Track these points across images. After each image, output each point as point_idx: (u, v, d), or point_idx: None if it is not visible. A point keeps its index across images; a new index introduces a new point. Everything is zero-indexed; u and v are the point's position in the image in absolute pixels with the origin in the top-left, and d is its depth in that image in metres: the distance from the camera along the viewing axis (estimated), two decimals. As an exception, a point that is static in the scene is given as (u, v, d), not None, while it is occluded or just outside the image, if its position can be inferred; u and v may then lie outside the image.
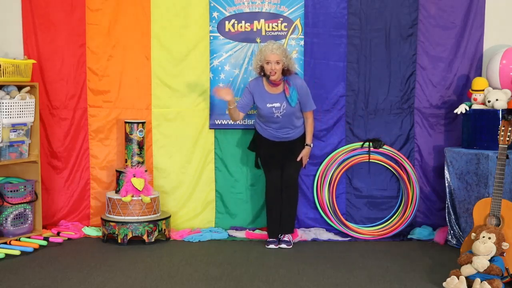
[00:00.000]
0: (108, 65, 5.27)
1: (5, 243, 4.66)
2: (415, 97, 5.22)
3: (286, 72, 4.68)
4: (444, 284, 3.82)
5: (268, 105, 4.70)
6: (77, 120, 5.31)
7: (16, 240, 4.75)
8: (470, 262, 3.75)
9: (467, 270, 3.75)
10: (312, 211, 5.27)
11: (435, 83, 5.20)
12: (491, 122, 4.66)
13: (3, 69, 4.64)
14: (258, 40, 5.16)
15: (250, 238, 5.09)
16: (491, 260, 3.72)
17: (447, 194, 4.92)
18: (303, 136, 4.90)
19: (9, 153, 4.77)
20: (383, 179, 5.28)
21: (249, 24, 5.17)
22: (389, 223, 5.23)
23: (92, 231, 5.15)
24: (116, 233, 4.84)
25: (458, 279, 3.74)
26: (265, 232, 5.00)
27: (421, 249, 4.79)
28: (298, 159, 4.85)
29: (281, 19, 5.15)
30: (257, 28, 5.16)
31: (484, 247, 3.73)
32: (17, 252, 4.51)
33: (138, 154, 5.04)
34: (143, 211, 4.90)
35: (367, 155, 5.21)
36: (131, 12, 5.22)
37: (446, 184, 4.92)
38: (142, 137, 5.05)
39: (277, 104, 4.69)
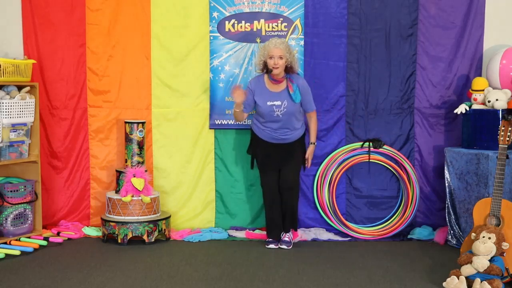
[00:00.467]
0: (108, 65, 5.27)
1: (5, 243, 4.66)
2: (415, 97, 5.22)
3: (289, 70, 4.67)
4: (444, 284, 3.82)
5: (269, 103, 4.65)
6: (77, 120, 5.31)
7: (16, 240, 4.75)
8: (470, 262, 3.75)
9: (467, 270, 3.75)
10: (312, 211, 5.27)
11: (435, 83, 5.20)
12: (491, 122, 4.66)
13: (3, 69, 4.65)
14: (258, 40, 5.16)
15: (250, 238, 5.09)
16: (491, 260, 3.72)
17: (447, 194, 4.93)
18: (302, 138, 4.85)
19: (9, 153, 4.77)
20: (383, 179, 5.29)
21: (249, 24, 5.17)
22: (389, 223, 5.23)
23: (92, 231, 5.15)
24: (116, 233, 4.84)
25: (458, 279, 3.74)
26: (265, 232, 5.00)
27: (421, 249, 4.79)
28: (306, 156, 4.85)
29: (281, 19, 5.15)
30: (257, 28, 5.16)
31: (484, 247, 3.73)
32: (17, 252, 4.51)
33: (138, 154, 5.04)
34: (143, 211, 4.90)
35: (367, 155, 5.21)
36: (131, 12, 5.22)
37: (446, 184, 4.92)
38: (142, 137, 5.05)
39: (278, 102, 4.64)
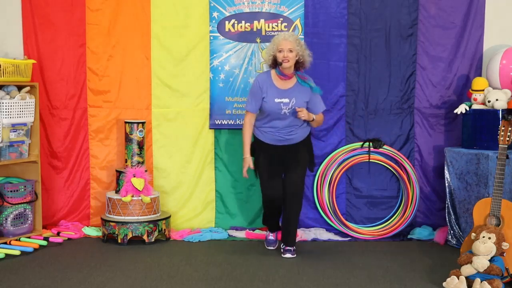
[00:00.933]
0: (108, 65, 5.27)
1: (5, 243, 4.66)
2: (415, 97, 5.22)
3: (299, 66, 4.45)
4: (444, 284, 3.82)
5: (277, 100, 4.41)
6: (77, 120, 5.31)
7: (16, 240, 4.75)
8: (470, 262, 3.75)
9: (467, 270, 3.75)
10: (312, 211, 5.27)
11: (435, 83, 5.20)
12: (491, 122, 4.66)
13: (3, 69, 4.64)
14: (258, 40, 5.16)
15: (250, 238, 5.09)
16: (491, 260, 3.72)
17: (447, 194, 4.92)
18: (308, 139, 4.63)
19: (9, 153, 4.77)
20: (383, 179, 5.28)
21: (249, 24, 5.17)
22: (389, 223, 5.23)
23: (92, 231, 5.15)
24: (116, 233, 4.84)
25: (458, 279, 3.74)
26: (265, 232, 4.99)
27: (421, 249, 4.79)
28: (300, 112, 4.39)
29: (281, 19, 5.15)
30: (257, 28, 5.16)
31: (484, 247, 3.73)
32: (17, 252, 4.51)
33: (138, 154, 5.03)
34: (143, 211, 4.90)
35: (367, 155, 5.21)
36: (131, 12, 5.22)
37: (446, 184, 4.92)
38: (142, 137, 5.05)
39: (286, 100, 4.41)
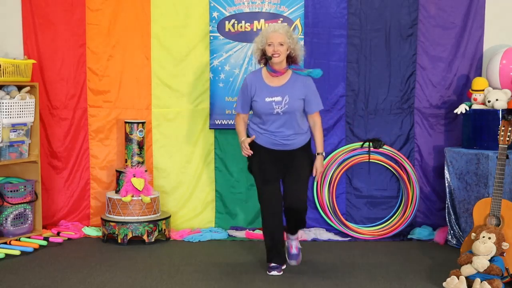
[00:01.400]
0: (108, 65, 5.27)
1: (5, 243, 4.66)
2: (415, 97, 5.22)
3: (291, 60, 4.06)
4: (444, 284, 3.82)
5: (267, 99, 3.98)
6: (77, 120, 5.31)
7: (16, 240, 4.75)
8: (470, 262, 3.75)
9: (467, 270, 3.75)
10: (312, 211, 5.27)
11: (435, 83, 5.20)
12: (491, 122, 4.66)
13: (3, 69, 4.64)
14: (258, 40, 5.16)
15: (250, 238, 5.09)
16: (491, 260, 3.72)
17: (447, 194, 4.92)
18: (308, 146, 4.14)
19: (9, 153, 4.77)
20: (383, 179, 5.29)
21: (249, 24, 5.17)
22: (389, 223, 5.23)
23: (92, 231, 5.15)
24: (116, 233, 4.84)
25: (458, 279, 3.74)
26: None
27: (421, 249, 4.79)
28: (314, 174, 4.10)
29: (281, 19, 5.15)
30: (257, 28, 5.16)
31: (484, 247, 3.73)
32: (17, 252, 4.51)
33: (138, 154, 5.03)
34: (143, 211, 4.90)
35: (367, 155, 5.21)
36: (131, 12, 5.22)
37: (446, 184, 4.92)
38: (142, 137, 5.05)
39: (278, 98, 3.97)
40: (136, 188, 4.89)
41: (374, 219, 5.29)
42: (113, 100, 5.30)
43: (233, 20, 5.18)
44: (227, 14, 5.17)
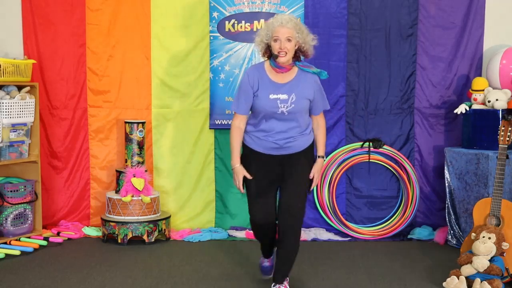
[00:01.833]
0: (108, 65, 5.27)
1: (5, 243, 4.66)
2: (415, 97, 5.22)
3: (302, 54, 3.60)
4: (444, 284, 3.82)
5: (272, 96, 3.51)
6: (77, 120, 5.31)
7: (16, 240, 4.75)
8: (470, 262, 3.75)
9: (467, 270, 3.75)
10: (312, 211, 5.27)
11: (435, 83, 5.20)
12: (491, 122, 4.66)
13: (3, 69, 4.64)
14: (258, 40, 5.16)
15: (250, 238, 5.09)
16: (491, 260, 3.72)
17: (447, 194, 4.92)
18: (310, 149, 3.69)
19: (9, 153, 4.77)
20: (383, 179, 5.29)
21: (249, 24, 5.17)
22: (389, 223, 5.23)
23: (92, 231, 5.15)
24: (116, 233, 4.84)
25: (458, 279, 3.74)
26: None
27: (421, 249, 4.79)
28: (311, 176, 3.63)
29: (281, 19, 5.14)
30: (257, 28, 5.15)
31: (484, 247, 3.73)
32: (17, 252, 4.51)
33: (138, 154, 5.03)
34: (143, 211, 4.90)
35: (367, 155, 5.21)
36: (131, 12, 5.22)
37: (446, 184, 4.92)
38: (142, 137, 5.05)
39: (284, 96, 3.51)
40: (136, 188, 4.89)
41: (374, 219, 5.29)
42: (113, 100, 5.30)
43: (233, 20, 5.18)
44: (227, 14, 5.17)
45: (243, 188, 3.64)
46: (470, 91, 4.92)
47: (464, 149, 4.83)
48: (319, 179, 3.74)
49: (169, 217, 5.08)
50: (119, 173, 5.04)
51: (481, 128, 4.74)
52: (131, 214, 4.88)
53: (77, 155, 5.33)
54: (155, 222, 4.90)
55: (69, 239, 4.96)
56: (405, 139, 5.26)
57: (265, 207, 3.59)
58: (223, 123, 5.22)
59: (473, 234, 3.87)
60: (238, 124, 3.63)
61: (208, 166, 5.33)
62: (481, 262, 3.69)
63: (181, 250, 4.74)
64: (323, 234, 5.14)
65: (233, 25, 5.18)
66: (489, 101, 4.74)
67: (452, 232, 4.90)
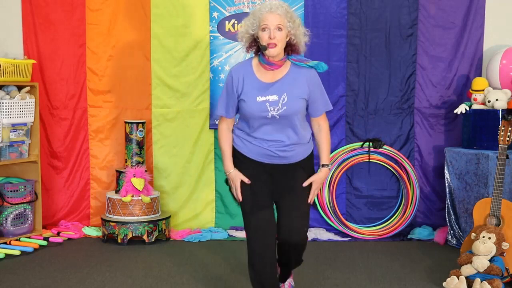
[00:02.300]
0: (108, 65, 5.27)
1: (5, 243, 4.66)
2: (415, 97, 5.22)
3: (291, 49, 3.11)
4: (444, 284, 3.82)
5: (260, 98, 3.05)
6: (77, 120, 5.31)
7: (16, 240, 4.75)
8: (470, 262, 3.75)
9: (467, 270, 3.75)
10: (312, 211, 5.26)
11: (435, 83, 5.20)
12: (491, 122, 4.66)
13: (3, 69, 4.65)
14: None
15: (250, 238, 5.09)
16: (491, 260, 3.72)
17: (447, 194, 4.93)
18: (310, 159, 3.27)
19: (9, 153, 4.77)
20: (383, 179, 5.29)
21: (249, 24, 5.17)
22: (389, 223, 5.23)
23: (92, 231, 5.15)
24: (116, 233, 4.84)
25: (458, 279, 3.74)
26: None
27: (421, 249, 4.79)
28: (306, 184, 3.17)
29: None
30: (257, 28, 5.15)
31: (484, 247, 3.73)
32: (17, 252, 4.51)
33: (138, 154, 5.03)
34: (143, 211, 4.90)
35: (367, 155, 5.21)
36: (131, 12, 5.22)
37: (446, 184, 4.92)
38: (142, 137, 5.05)
39: (274, 97, 3.05)
40: (136, 188, 4.89)
41: (374, 219, 5.29)
42: (113, 100, 5.30)
43: (233, 20, 5.18)
44: (227, 14, 5.17)
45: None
46: (470, 91, 4.92)
47: (464, 149, 4.83)
48: (318, 191, 3.22)
49: (169, 217, 5.08)
50: (119, 173, 5.04)
51: (481, 128, 4.74)
52: (131, 214, 4.88)
53: (77, 155, 5.33)
54: (155, 222, 4.90)
55: (69, 239, 4.96)
56: (405, 139, 5.26)
57: (263, 224, 3.11)
58: (223, 123, 5.22)
59: (473, 234, 3.87)
60: (227, 127, 3.25)
61: (208, 166, 5.33)
62: (481, 262, 3.69)
63: (181, 250, 4.74)
64: (323, 234, 5.14)
65: (233, 25, 5.18)
66: (489, 101, 4.74)
67: (452, 232, 4.90)
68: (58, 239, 4.86)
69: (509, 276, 3.75)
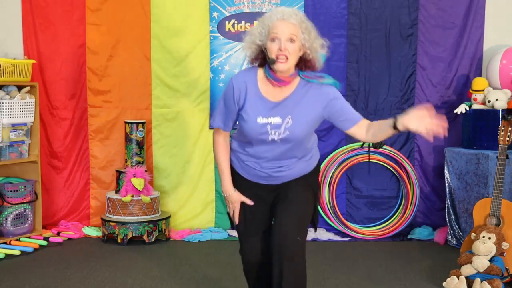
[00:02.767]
0: (108, 65, 5.27)
1: (5, 243, 4.66)
2: (415, 97, 5.22)
3: (305, 65, 2.66)
4: (444, 284, 3.82)
5: (260, 120, 2.66)
6: (77, 120, 5.31)
7: (16, 240, 4.75)
8: (470, 262, 3.75)
9: (467, 270, 3.75)
10: (312, 211, 5.27)
11: (435, 83, 5.20)
12: (491, 122, 4.66)
13: (3, 69, 4.64)
14: (258, 40, 5.16)
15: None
16: (491, 260, 3.72)
17: (447, 194, 4.93)
18: (312, 173, 2.89)
19: (9, 153, 4.77)
20: (383, 179, 5.29)
21: (249, 24, 5.17)
22: (389, 223, 5.23)
23: (92, 231, 5.15)
24: (116, 233, 4.84)
25: (458, 279, 3.74)
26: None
27: (421, 249, 4.79)
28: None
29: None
30: (257, 28, 5.15)
31: (484, 247, 3.73)
32: (17, 252, 4.51)
33: (138, 154, 5.03)
34: (143, 211, 4.90)
35: (367, 155, 5.21)
36: (131, 12, 5.22)
37: (446, 184, 4.92)
38: (142, 137, 5.05)
39: (276, 120, 2.65)
40: (136, 188, 4.89)
41: (374, 219, 5.29)
42: (113, 100, 5.30)
43: (233, 20, 5.18)
44: (227, 14, 5.18)
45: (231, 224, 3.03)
46: (470, 91, 4.92)
47: (464, 149, 4.83)
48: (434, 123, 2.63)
49: (169, 217, 5.08)
50: (119, 173, 5.04)
51: (481, 128, 4.74)
52: (131, 214, 4.88)
53: (77, 155, 5.33)
54: (155, 222, 4.90)
55: (69, 239, 4.96)
56: (405, 139, 5.26)
57: (254, 245, 2.89)
58: (223, 123, 5.22)
59: (473, 234, 3.87)
60: (223, 140, 2.86)
61: (208, 166, 5.33)
62: (481, 262, 3.69)
63: (181, 250, 4.74)
64: (323, 234, 5.14)
65: (233, 25, 5.18)
66: (489, 101, 4.74)
67: (452, 232, 4.90)
68: (58, 239, 4.86)
69: (509, 276, 3.75)
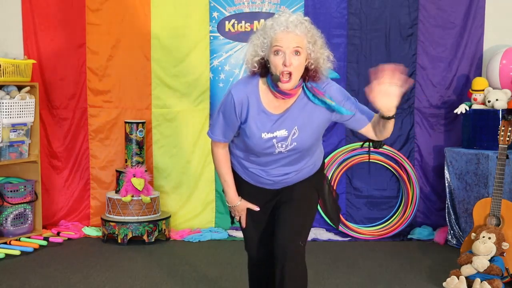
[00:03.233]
0: (108, 65, 5.27)
1: (5, 243, 4.66)
2: (415, 97, 5.22)
3: (308, 75, 2.47)
4: (444, 284, 3.82)
5: (265, 136, 2.52)
6: (77, 120, 5.31)
7: (16, 240, 4.75)
8: (470, 262, 3.76)
9: (467, 270, 3.75)
10: (312, 211, 5.27)
11: (435, 83, 5.20)
12: (491, 122, 4.66)
13: (3, 69, 4.64)
14: (258, 40, 5.15)
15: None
16: (491, 260, 3.72)
17: (447, 194, 4.93)
18: (316, 174, 2.79)
19: (9, 153, 4.77)
20: (383, 179, 5.28)
21: (249, 24, 5.17)
22: (389, 223, 5.23)
23: (92, 231, 5.15)
24: (116, 233, 4.84)
25: (458, 279, 3.74)
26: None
27: (421, 249, 4.79)
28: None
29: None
30: (257, 28, 5.16)
31: (484, 247, 3.73)
32: (17, 252, 4.51)
33: (138, 154, 5.03)
34: (143, 211, 4.90)
35: (367, 155, 5.21)
36: (131, 12, 5.22)
37: (446, 184, 4.92)
38: (142, 137, 5.05)
39: (283, 133, 2.52)
40: (136, 188, 4.89)
41: (374, 219, 5.29)
42: (113, 100, 5.30)
43: (233, 20, 5.18)
44: (227, 14, 5.17)
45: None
46: (470, 91, 4.92)
47: (464, 149, 4.83)
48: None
49: (169, 217, 5.08)
50: (119, 173, 5.04)
51: (481, 128, 4.74)
52: (131, 214, 4.88)
53: (77, 155, 5.33)
54: (155, 222, 4.90)
55: (69, 239, 4.96)
56: (405, 139, 5.26)
57: (263, 246, 2.83)
58: (223, 123, 5.22)
59: (473, 234, 3.87)
60: (223, 149, 2.73)
61: (208, 166, 5.32)
62: (481, 262, 3.69)
63: (181, 250, 4.74)
64: (323, 234, 5.14)
65: (233, 25, 5.18)
66: (489, 101, 4.74)
67: (452, 232, 4.90)
68: (58, 239, 4.86)
69: (509, 276, 3.75)
